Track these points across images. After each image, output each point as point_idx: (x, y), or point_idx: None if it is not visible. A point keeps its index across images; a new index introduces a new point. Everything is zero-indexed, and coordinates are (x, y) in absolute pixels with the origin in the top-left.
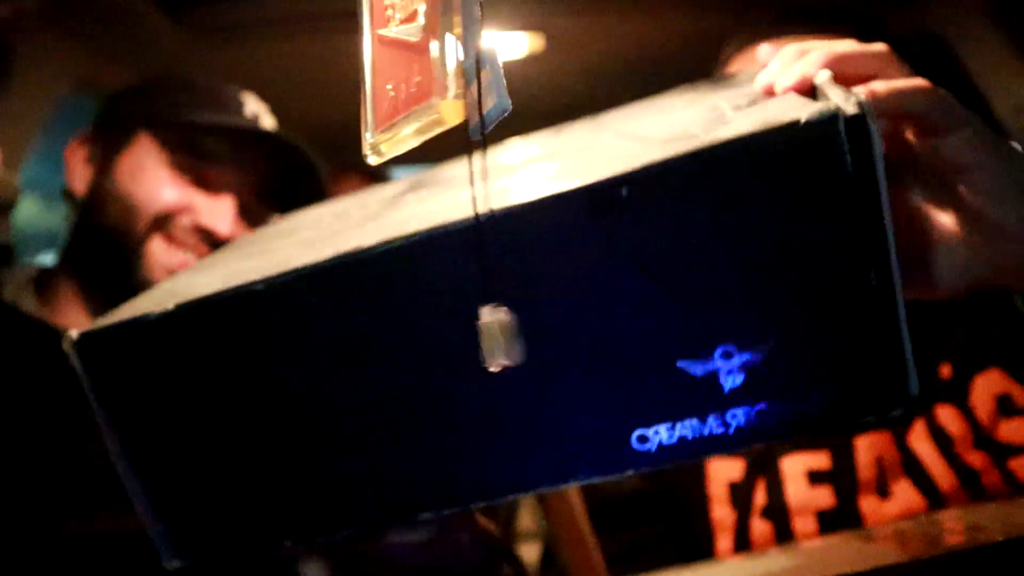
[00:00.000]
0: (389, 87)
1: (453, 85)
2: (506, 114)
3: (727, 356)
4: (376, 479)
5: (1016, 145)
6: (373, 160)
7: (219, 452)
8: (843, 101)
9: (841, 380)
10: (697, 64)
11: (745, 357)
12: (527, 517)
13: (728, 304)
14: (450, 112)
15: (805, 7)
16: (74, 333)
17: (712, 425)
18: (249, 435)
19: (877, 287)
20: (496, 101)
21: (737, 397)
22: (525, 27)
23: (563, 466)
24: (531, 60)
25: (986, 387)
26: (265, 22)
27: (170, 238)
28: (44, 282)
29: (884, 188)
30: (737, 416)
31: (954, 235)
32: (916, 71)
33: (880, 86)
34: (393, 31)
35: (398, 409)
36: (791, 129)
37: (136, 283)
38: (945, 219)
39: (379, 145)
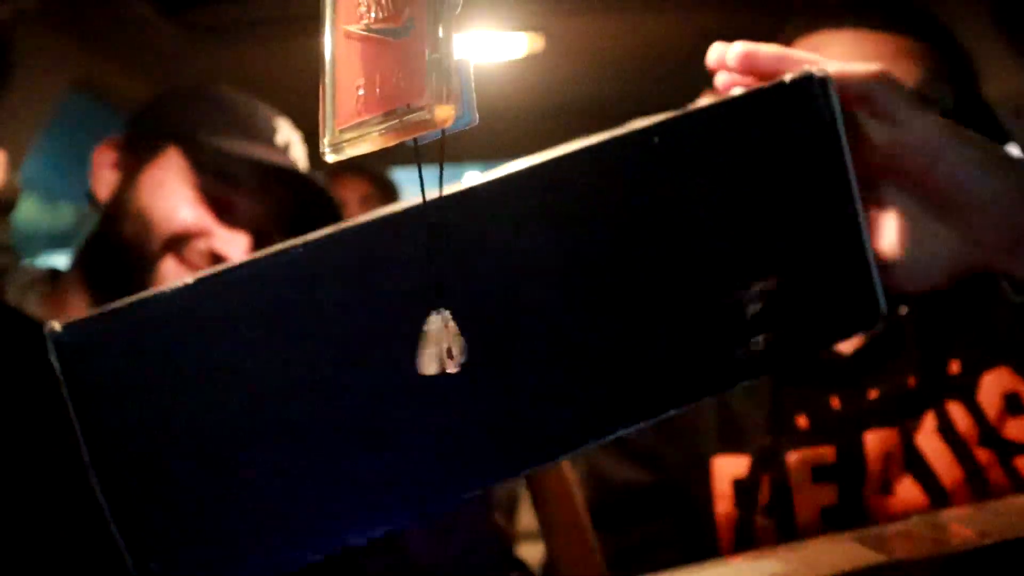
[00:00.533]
0: (359, 83)
1: (447, 89)
2: (469, 127)
3: (749, 286)
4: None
5: (1016, 151)
6: (332, 158)
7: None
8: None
9: (832, 301)
10: (696, 64)
11: (762, 285)
12: (528, 517)
13: (745, 236)
14: (443, 116)
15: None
16: (56, 325)
17: (739, 353)
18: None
19: (849, 216)
20: (464, 112)
21: (759, 323)
22: (525, 28)
23: (613, 412)
24: (530, 60)
25: (994, 385)
26: (264, 22)
27: (183, 260)
28: (53, 284)
29: (845, 137)
30: (759, 341)
31: (933, 225)
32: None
33: (833, 66)
34: (367, 27)
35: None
36: (779, 87)
37: None
38: (923, 211)
39: (341, 143)
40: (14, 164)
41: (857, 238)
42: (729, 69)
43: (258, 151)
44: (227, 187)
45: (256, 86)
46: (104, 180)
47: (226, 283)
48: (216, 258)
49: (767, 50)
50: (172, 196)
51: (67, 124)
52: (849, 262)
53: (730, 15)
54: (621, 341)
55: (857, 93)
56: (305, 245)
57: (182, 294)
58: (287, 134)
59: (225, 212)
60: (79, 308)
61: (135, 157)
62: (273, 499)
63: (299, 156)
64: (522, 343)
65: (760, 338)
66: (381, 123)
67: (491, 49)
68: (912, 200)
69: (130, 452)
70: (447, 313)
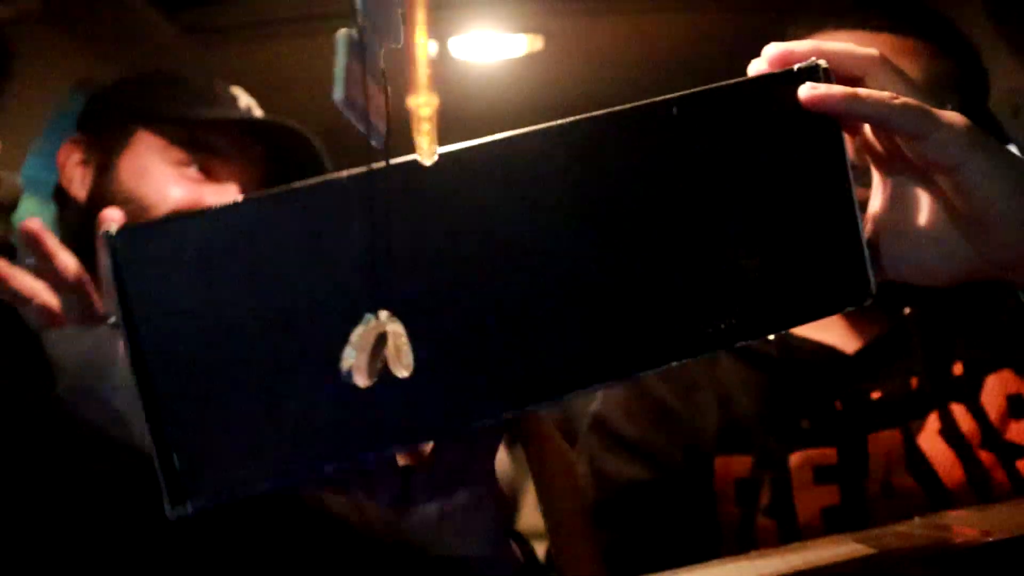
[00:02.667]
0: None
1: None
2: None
3: (748, 253)
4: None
5: (1015, 150)
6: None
7: (249, 364)
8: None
9: (825, 276)
10: (696, 64)
11: (761, 253)
12: (527, 519)
13: (748, 207)
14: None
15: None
16: (113, 227)
17: (740, 315)
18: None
19: (844, 197)
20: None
21: (759, 288)
22: (524, 29)
23: (631, 356)
24: (530, 60)
25: (998, 387)
26: (264, 23)
27: None
28: None
29: (838, 123)
30: (756, 306)
31: (946, 226)
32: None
33: (864, 93)
34: None
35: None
36: (787, 74)
37: None
38: (938, 210)
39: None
40: (14, 164)
41: (851, 217)
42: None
43: (226, 113)
44: (207, 155)
45: (256, 86)
46: (76, 177)
47: (275, 202)
48: None
49: (802, 47)
50: (157, 177)
51: (67, 124)
52: (843, 239)
53: (729, 15)
54: (621, 291)
55: (873, 121)
56: (349, 178)
57: (234, 210)
58: (247, 100)
59: (210, 179)
60: None
61: (103, 148)
62: (312, 410)
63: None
64: (533, 281)
65: (752, 304)
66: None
67: (490, 49)
68: (929, 197)
69: (173, 360)
70: (386, 314)
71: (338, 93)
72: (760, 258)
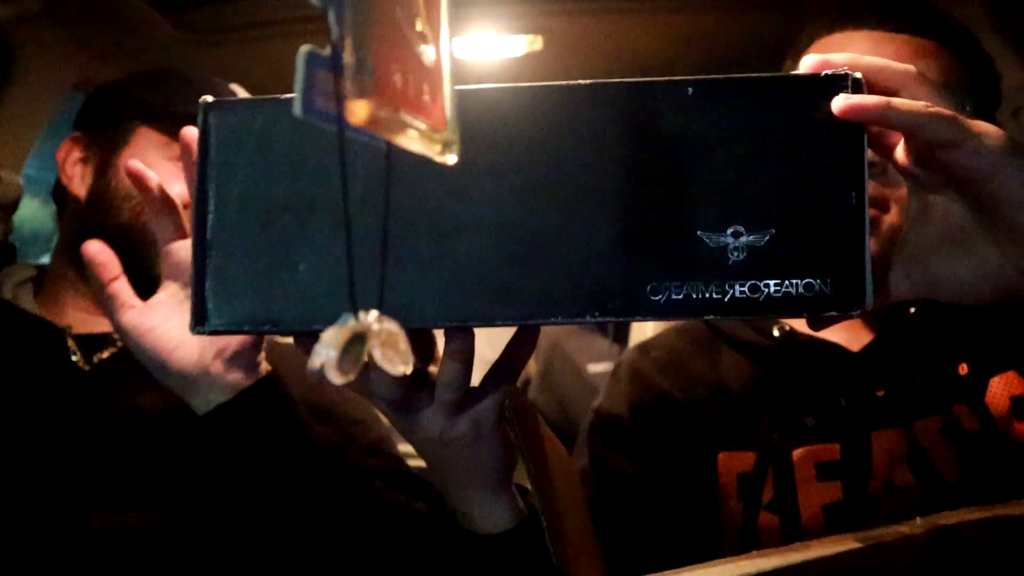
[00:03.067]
0: (395, 69)
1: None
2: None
3: (736, 235)
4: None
5: None
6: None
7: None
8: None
9: (817, 276)
10: (695, 64)
11: (750, 239)
12: None
13: (746, 193)
14: (450, 160)
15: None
16: (209, 98)
17: (713, 291)
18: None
19: (855, 206)
20: None
21: (738, 272)
22: (523, 30)
23: (585, 302)
24: (529, 60)
25: (1003, 388)
26: (264, 22)
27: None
28: (41, 281)
29: (865, 133)
30: (734, 288)
31: (982, 241)
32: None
33: (898, 102)
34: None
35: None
36: (815, 77)
37: (155, 277)
38: (973, 225)
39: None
40: (15, 164)
41: (860, 224)
42: None
43: None
44: None
45: (256, 86)
46: (76, 175)
47: None
48: None
49: (838, 59)
50: (159, 173)
51: (67, 124)
52: (847, 245)
53: (729, 16)
54: (593, 241)
55: (905, 130)
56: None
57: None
58: (244, 96)
59: None
60: (73, 300)
61: (102, 146)
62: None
63: None
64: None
65: (744, 283)
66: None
67: (490, 49)
68: (963, 213)
69: (227, 209)
70: (375, 315)
71: (296, 108)
72: (746, 241)
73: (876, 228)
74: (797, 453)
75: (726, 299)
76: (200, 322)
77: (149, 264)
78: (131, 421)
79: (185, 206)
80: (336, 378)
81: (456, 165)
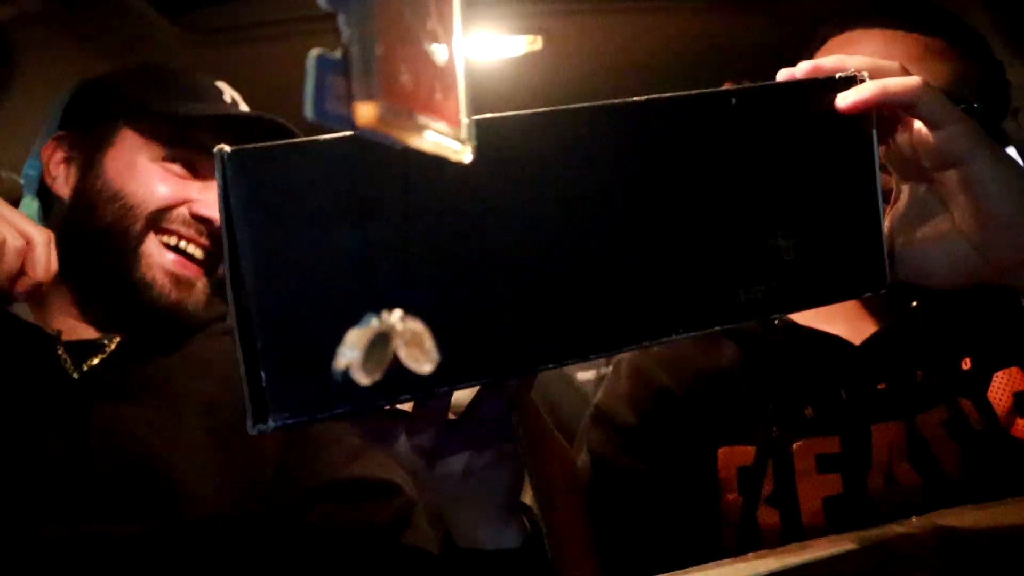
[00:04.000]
0: (404, 76)
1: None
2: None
3: (787, 236)
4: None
5: (1015, 155)
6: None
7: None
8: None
9: (850, 263)
10: (695, 64)
11: (798, 237)
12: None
13: (789, 194)
14: (466, 156)
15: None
16: (226, 148)
17: (777, 288)
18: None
19: (871, 196)
20: None
21: (793, 268)
22: (523, 30)
23: (670, 319)
24: (529, 59)
25: (1005, 383)
26: (264, 22)
27: (165, 233)
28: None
29: (873, 129)
30: (793, 282)
31: (951, 228)
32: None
33: (891, 81)
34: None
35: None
36: (831, 80)
37: (134, 282)
38: (945, 214)
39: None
40: (15, 164)
41: (875, 212)
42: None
43: (210, 108)
44: (192, 151)
45: (256, 86)
46: (60, 176)
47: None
48: (199, 219)
49: (830, 62)
50: (143, 175)
51: None
52: (866, 230)
53: (729, 16)
54: (667, 257)
55: (902, 103)
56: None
57: (342, 142)
58: (231, 93)
59: (196, 174)
60: (63, 304)
61: (87, 146)
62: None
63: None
64: (589, 242)
65: (783, 281)
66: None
67: (489, 49)
68: (939, 199)
69: (269, 279)
70: (399, 314)
71: (308, 112)
72: (794, 239)
73: None
74: (797, 445)
75: (787, 295)
76: (261, 418)
77: (129, 268)
78: (119, 429)
79: (173, 206)
80: (362, 379)
81: (511, 202)
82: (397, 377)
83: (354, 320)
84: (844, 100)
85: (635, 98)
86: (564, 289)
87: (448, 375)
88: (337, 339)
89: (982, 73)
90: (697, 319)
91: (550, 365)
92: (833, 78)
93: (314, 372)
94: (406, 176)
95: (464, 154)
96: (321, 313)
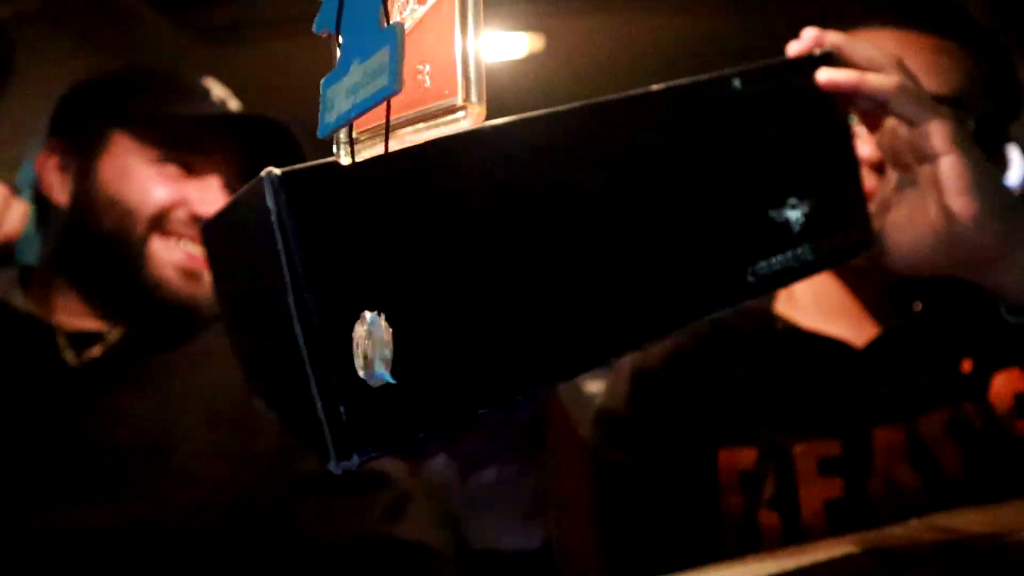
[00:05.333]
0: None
1: (480, 88)
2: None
3: (793, 207)
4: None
5: (1016, 150)
6: (346, 161)
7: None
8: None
9: (844, 226)
10: (695, 63)
11: (803, 207)
12: None
13: (791, 167)
14: (479, 117)
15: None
16: (276, 171)
17: (790, 259)
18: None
19: (852, 162)
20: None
21: (802, 237)
22: (525, 28)
23: (690, 304)
24: (530, 60)
25: (1006, 385)
26: (264, 22)
27: (169, 233)
28: (30, 280)
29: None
30: (803, 251)
31: (921, 218)
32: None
33: (871, 76)
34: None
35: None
36: (811, 57)
37: (142, 282)
38: (919, 205)
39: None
40: (14, 164)
41: (856, 173)
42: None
43: (199, 110)
44: (185, 151)
45: (256, 86)
46: (56, 184)
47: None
48: (199, 220)
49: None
50: (139, 179)
51: None
52: (852, 195)
53: (728, 16)
54: (684, 243)
55: (875, 99)
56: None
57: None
58: (220, 91)
59: (192, 173)
60: (68, 300)
61: (80, 153)
62: (464, 359)
63: (236, 109)
64: (608, 234)
65: (792, 249)
66: (412, 121)
67: (491, 49)
68: (914, 192)
69: (336, 309)
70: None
71: (397, 85)
72: (799, 209)
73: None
74: (798, 448)
75: (798, 264)
76: (344, 454)
77: (136, 270)
78: (119, 419)
79: (172, 208)
80: (363, 373)
81: (531, 206)
82: (470, 395)
83: (414, 340)
84: (822, 75)
85: (641, 90)
86: (592, 288)
87: (525, 380)
88: (403, 361)
89: (991, 74)
90: (719, 299)
91: (589, 367)
92: (823, 55)
93: (390, 398)
94: (444, 187)
95: (464, 121)
96: (399, 323)
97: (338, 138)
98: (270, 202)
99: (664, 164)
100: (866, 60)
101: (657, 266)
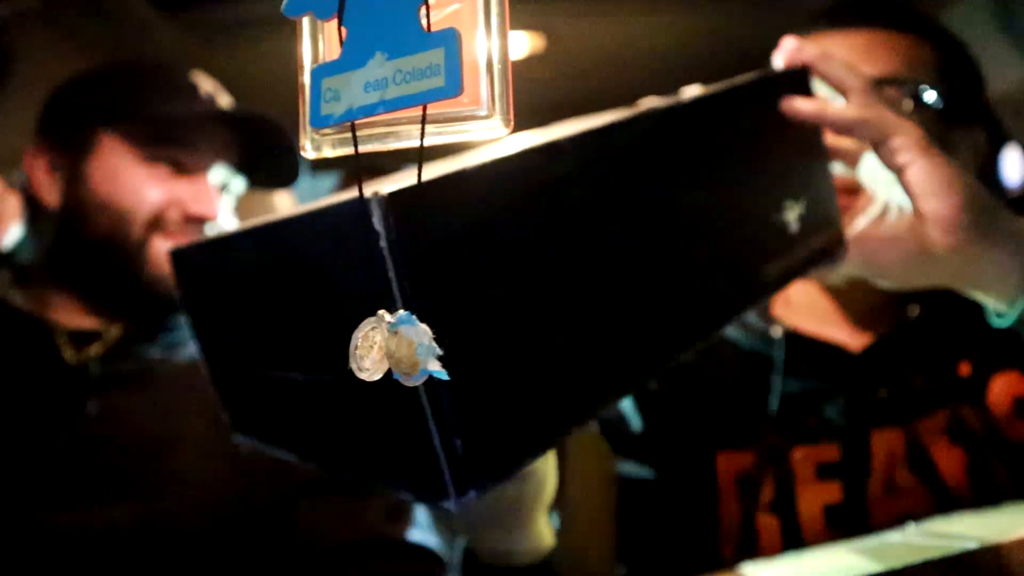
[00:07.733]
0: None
1: (507, 101)
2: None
3: (789, 208)
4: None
5: (1017, 149)
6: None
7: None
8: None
9: (830, 225)
10: (695, 64)
11: (797, 209)
12: None
13: (783, 170)
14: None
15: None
16: (382, 191)
17: (791, 259)
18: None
19: (826, 161)
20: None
21: (799, 237)
22: (525, 28)
23: (711, 317)
24: (531, 60)
25: (1004, 388)
26: (263, 22)
27: (167, 234)
28: (26, 279)
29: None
30: (801, 251)
31: (904, 234)
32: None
33: (831, 110)
34: None
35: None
36: (782, 72)
37: (145, 282)
38: (898, 222)
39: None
40: (13, 164)
41: (830, 177)
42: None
43: (188, 106)
44: (175, 149)
45: (256, 86)
46: (46, 185)
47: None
48: (193, 219)
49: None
50: (130, 181)
51: None
52: (828, 196)
53: (728, 16)
54: (703, 258)
55: (837, 129)
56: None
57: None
58: (208, 87)
59: (182, 172)
60: (66, 299)
61: (69, 154)
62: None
63: (225, 104)
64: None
65: (791, 251)
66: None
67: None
68: (891, 210)
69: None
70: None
71: (460, 88)
72: (794, 211)
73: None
74: (797, 452)
75: (799, 264)
76: (461, 489)
77: (138, 270)
78: (118, 417)
79: (165, 209)
80: (366, 375)
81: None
82: (562, 417)
83: (516, 365)
84: (788, 105)
85: (654, 105)
86: (646, 305)
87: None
88: (508, 386)
89: (940, 55)
90: (735, 306)
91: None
92: (800, 70)
93: (503, 428)
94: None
95: (494, 128)
96: (498, 363)
97: (315, 132)
98: (378, 223)
99: (685, 177)
100: (836, 79)
101: (690, 276)
